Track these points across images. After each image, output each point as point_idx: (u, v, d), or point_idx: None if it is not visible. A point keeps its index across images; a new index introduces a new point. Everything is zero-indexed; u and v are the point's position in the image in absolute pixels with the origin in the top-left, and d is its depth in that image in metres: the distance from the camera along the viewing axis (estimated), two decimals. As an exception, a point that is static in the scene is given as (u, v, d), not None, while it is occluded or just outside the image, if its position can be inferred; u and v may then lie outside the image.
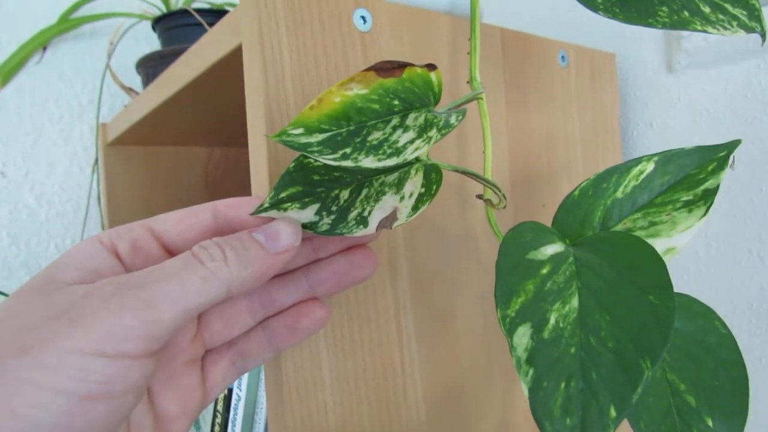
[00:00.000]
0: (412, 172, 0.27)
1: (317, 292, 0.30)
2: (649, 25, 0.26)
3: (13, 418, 0.20)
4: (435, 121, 0.25)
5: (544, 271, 0.24)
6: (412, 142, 0.24)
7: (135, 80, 0.79)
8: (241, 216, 0.27)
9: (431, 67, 0.26)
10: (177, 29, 0.70)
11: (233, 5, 0.81)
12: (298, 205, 0.25)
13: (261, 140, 0.32)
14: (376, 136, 0.24)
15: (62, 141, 0.84)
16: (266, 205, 0.25)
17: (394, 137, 0.24)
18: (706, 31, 0.26)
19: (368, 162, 0.23)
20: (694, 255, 0.53)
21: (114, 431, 0.23)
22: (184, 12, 0.69)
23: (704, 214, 0.32)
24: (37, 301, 0.23)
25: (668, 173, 0.33)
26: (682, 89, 0.54)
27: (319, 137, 0.23)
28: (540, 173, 0.48)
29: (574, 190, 0.33)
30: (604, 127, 0.53)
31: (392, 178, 0.26)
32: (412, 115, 0.25)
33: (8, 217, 0.80)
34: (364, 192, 0.25)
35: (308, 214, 0.25)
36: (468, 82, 0.37)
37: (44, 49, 0.82)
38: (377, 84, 0.24)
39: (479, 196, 0.36)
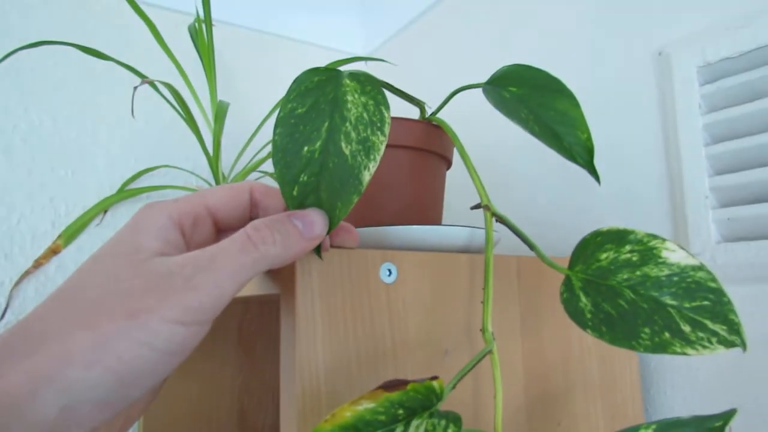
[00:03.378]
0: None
1: None
2: (632, 347, 0.29)
3: (119, 362, 0.27)
4: (435, 432, 0.28)
5: None
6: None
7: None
8: (270, 204, 0.36)
9: (434, 378, 0.30)
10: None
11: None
12: None
13: (292, 410, 0.36)
14: (382, 448, 0.27)
15: (111, 295, 0.90)
16: None
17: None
18: (685, 354, 0.29)
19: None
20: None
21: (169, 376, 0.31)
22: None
23: (702, 494, 0.33)
24: (132, 268, 0.30)
25: (668, 442, 0.35)
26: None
27: (335, 447, 0.27)
28: (555, 391, 0.50)
29: (578, 455, 0.36)
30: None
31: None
32: (415, 422, 0.28)
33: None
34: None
35: None
36: (481, 331, 0.41)
37: (105, 212, 0.90)
38: (384, 398, 0.28)
39: (491, 443, 0.39)
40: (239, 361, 0.90)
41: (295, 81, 0.37)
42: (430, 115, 0.50)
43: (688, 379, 0.57)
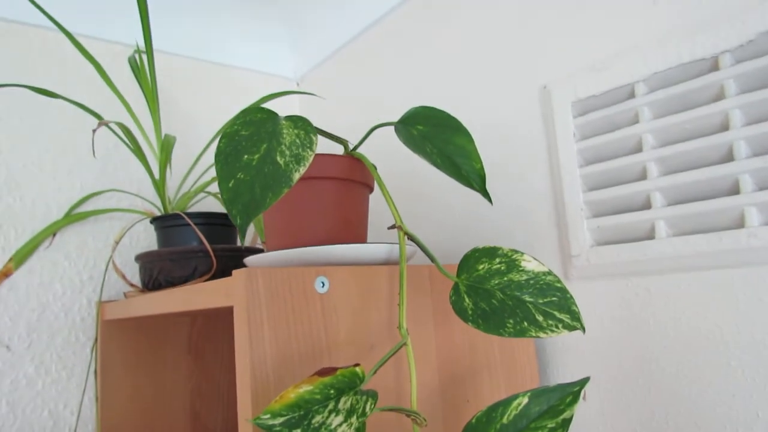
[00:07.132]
0: None
1: None
2: (500, 334, 0.40)
3: None
4: (357, 407, 0.38)
5: None
6: (340, 425, 0.37)
7: (133, 264, 0.92)
8: None
9: (356, 365, 0.40)
10: (171, 228, 0.84)
11: (220, 214, 0.96)
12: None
13: (247, 396, 0.45)
14: (317, 419, 0.36)
15: (63, 314, 0.95)
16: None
17: (329, 420, 0.37)
18: (539, 336, 0.40)
19: (314, 443, 0.35)
20: None
21: None
22: (176, 215, 0.83)
23: (561, 440, 0.45)
24: None
25: (539, 404, 0.47)
26: (575, 293, 0.69)
27: (280, 420, 0.36)
28: (464, 373, 0.61)
29: (472, 419, 0.46)
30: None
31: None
32: (343, 399, 0.38)
33: (9, 387, 0.89)
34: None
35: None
36: (398, 328, 0.51)
37: (54, 235, 0.95)
38: (318, 381, 0.38)
39: (407, 415, 0.49)
40: (190, 368, 0.97)
41: (242, 111, 0.47)
42: (352, 149, 0.60)
43: (575, 359, 0.69)
